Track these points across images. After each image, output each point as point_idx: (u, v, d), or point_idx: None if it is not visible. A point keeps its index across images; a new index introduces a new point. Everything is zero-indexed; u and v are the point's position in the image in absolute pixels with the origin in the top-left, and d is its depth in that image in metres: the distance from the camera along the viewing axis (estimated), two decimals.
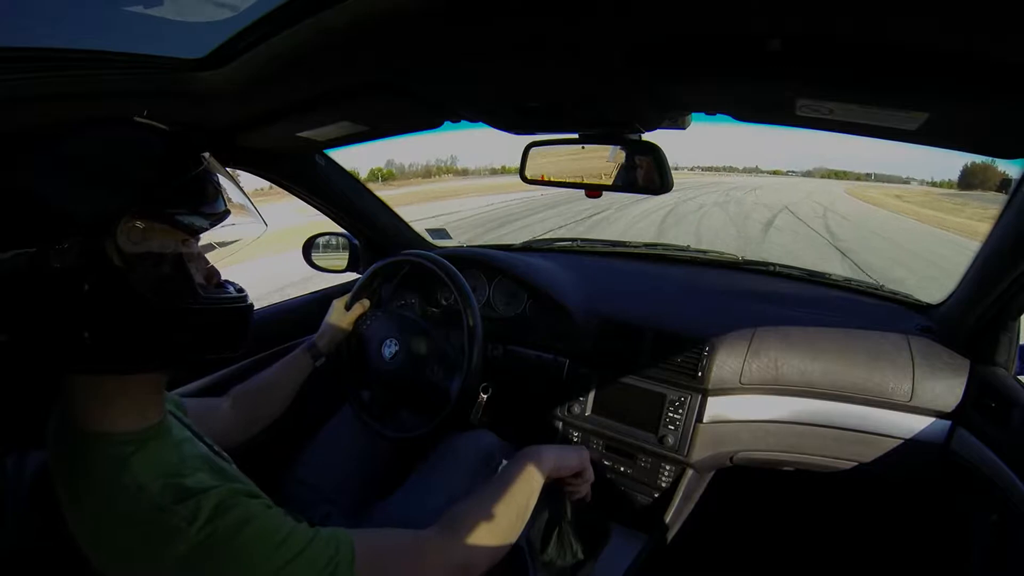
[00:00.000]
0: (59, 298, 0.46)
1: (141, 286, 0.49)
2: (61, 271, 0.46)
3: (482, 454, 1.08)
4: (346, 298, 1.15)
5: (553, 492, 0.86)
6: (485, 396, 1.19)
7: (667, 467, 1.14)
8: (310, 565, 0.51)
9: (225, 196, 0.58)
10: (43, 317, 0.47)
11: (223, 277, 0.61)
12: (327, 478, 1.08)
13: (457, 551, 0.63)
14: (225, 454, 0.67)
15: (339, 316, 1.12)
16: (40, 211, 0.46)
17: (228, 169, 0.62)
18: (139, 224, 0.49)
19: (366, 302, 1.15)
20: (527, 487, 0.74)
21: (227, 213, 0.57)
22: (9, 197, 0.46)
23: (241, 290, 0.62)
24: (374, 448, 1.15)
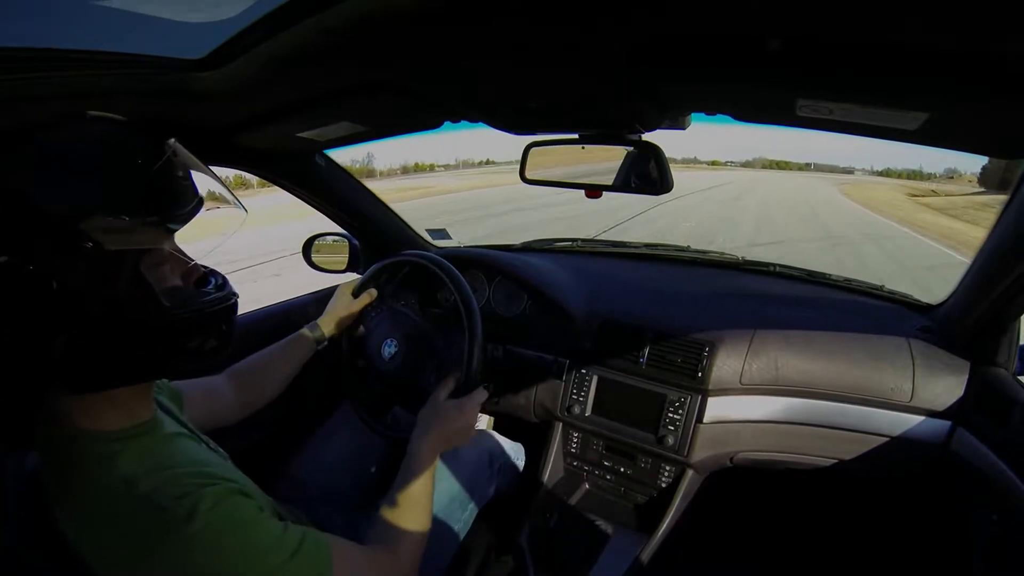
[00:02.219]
0: (29, 305, 0.44)
1: (101, 294, 0.47)
2: (18, 278, 0.43)
3: (482, 452, 1.08)
4: (353, 284, 1.14)
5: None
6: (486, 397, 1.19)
7: (667, 467, 1.14)
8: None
9: (197, 187, 0.54)
10: (14, 326, 0.45)
11: (207, 268, 0.58)
12: (326, 477, 1.08)
13: (405, 556, 0.68)
14: (221, 450, 0.67)
15: (345, 302, 1.11)
16: (5, 211, 0.44)
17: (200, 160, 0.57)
18: (98, 226, 0.46)
19: (373, 291, 1.14)
20: (429, 478, 0.77)
21: (198, 207, 0.53)
22: None
23: (223, 285, 0.58)
24: (372, 447, 1.15)
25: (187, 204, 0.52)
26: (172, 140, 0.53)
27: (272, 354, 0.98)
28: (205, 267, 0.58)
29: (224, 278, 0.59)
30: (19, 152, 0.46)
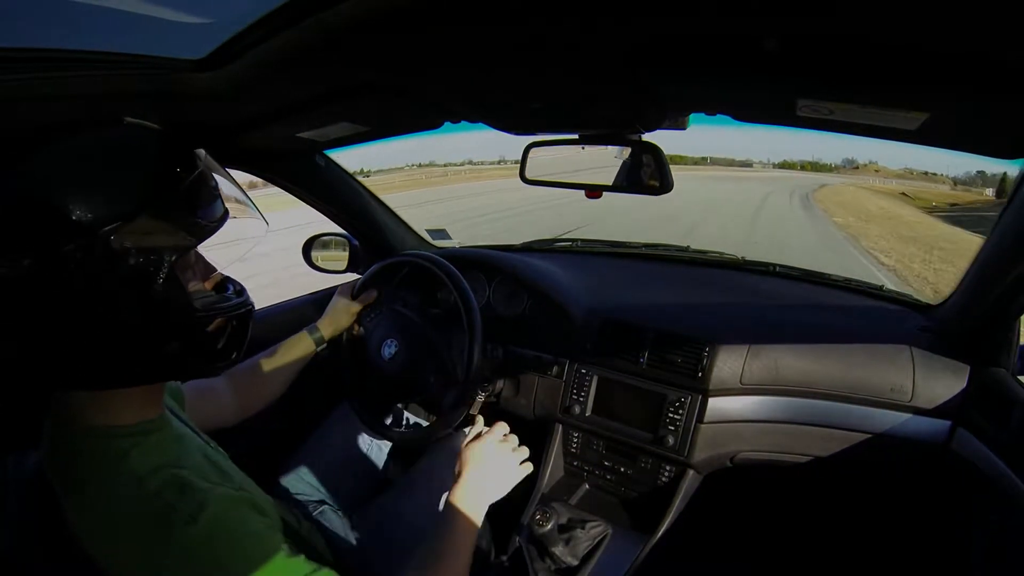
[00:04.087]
0: (49, 307, 0.45)
1: (134, 295, 0.48)
2: (53, 279, 0.44)
3: None
4: (353, 285, 1.14)
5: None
6: (483, 397, 1.19)
7: (667, 467, 1.14)
8: None
9: (223, 197, 0.56)
10: (34, 328, 0.45)
11: (225, 274, 0.59)
12: (324, 476, 1.08)
13: None
14: (221, 450, 0.67)
15: (345, 303, 1.11)
16: (31, 217, 0.44)
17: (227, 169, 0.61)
18: (135, 230, 0.47)
19: (373, 292, 1.14)
20: (469, 537, 0.72)
21: (226, 216, 0.55)
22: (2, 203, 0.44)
23: (241, 291, 0.60)
24: (371, 447, 1.15)
25: (218, 212, 0.54)
26: (202, 151, 0.55)
27: (272, 356, 0.98)
28: (224, 274, 0.60)
29: (242, 285, 0.61)
30: (57, 153, 0.47)
